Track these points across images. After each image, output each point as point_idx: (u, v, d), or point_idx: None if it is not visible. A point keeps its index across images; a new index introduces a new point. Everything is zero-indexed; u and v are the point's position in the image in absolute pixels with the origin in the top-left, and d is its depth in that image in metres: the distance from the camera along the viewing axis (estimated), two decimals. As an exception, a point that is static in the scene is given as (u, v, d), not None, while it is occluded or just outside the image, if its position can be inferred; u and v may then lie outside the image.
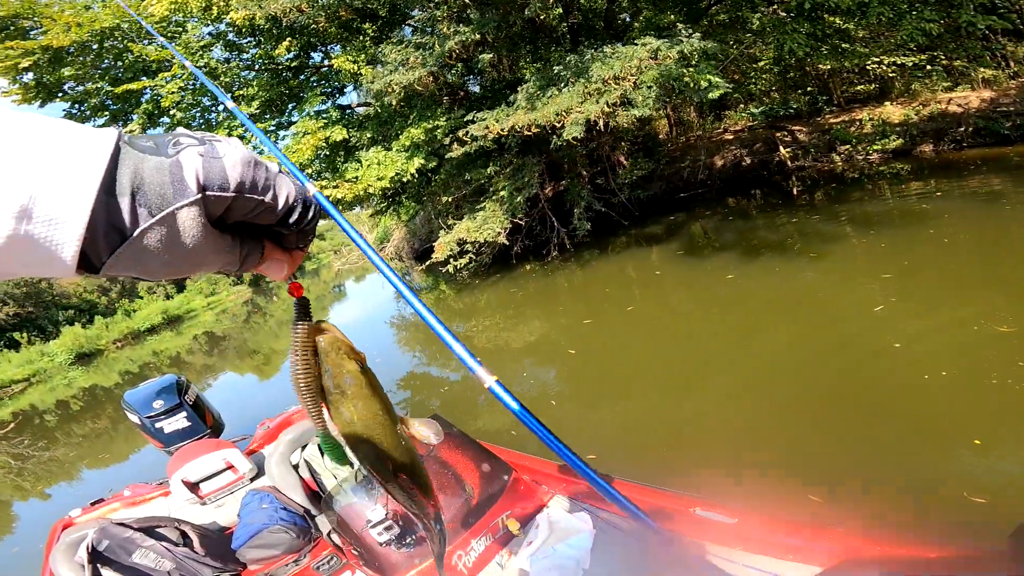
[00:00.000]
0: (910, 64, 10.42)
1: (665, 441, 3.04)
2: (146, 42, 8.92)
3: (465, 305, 8.74)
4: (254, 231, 0.45)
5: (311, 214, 0.46)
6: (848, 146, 10.76)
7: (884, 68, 11.51)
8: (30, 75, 8.63)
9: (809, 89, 13.02)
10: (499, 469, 1.96)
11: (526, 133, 6.40)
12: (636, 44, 6.36)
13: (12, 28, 8.51)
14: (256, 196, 0.39)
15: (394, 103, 8.01)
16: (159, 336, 29.34)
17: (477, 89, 10.18)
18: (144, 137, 0.37)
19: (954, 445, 2.34)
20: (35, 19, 8.54)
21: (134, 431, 2.89)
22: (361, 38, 9.23)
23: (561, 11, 8.94)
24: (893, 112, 11.07)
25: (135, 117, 9.44)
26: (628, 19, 10.11)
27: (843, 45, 9.26)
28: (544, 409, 4.06)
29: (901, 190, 7.37)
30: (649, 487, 1.72)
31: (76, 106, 9.42)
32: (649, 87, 6.08)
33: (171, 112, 9.19)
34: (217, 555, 2.15)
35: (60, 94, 9.18)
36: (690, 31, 6.82)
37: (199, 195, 0.35)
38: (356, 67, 8.71)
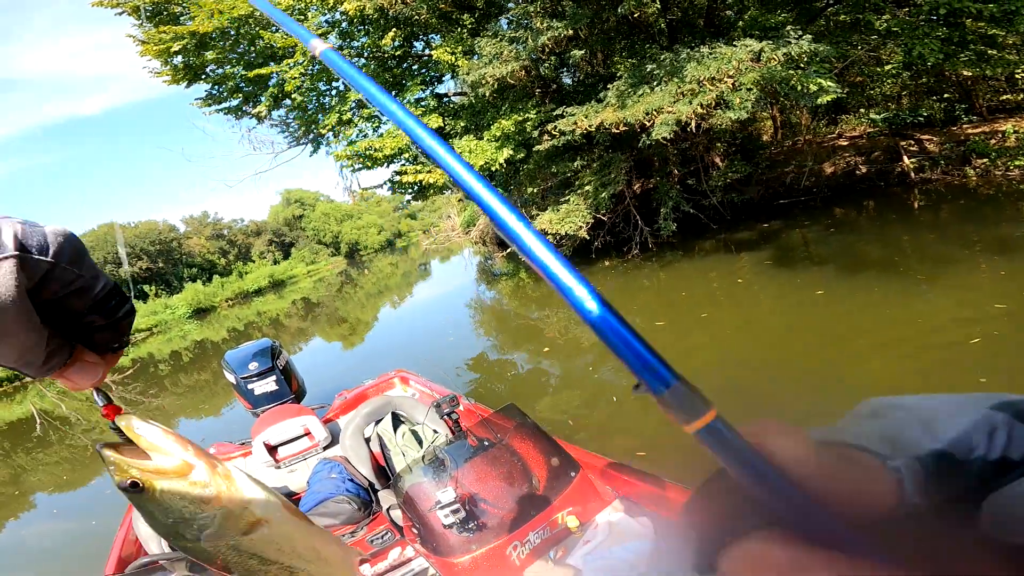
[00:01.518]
0: None
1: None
2: (274, 29, 9.75)
3: (542, 295, 8.83)
4: (65, 329, 0.42)
5: (127, 307, 0.44)
6: (986, 160, 9.60)
7: (1035, 77, 10.16)
8: (179, 58, 9.73)
9: (947, 96, 11.75)
10: (567, 465, 1.95)
11: (614, 131, 6.31)
12: (735, 45, 6.03)
13: (165, 13, 9.64)
14: (74, 269, 0.38)
15: (487, 94, 8.20)
16: (264, 298, 32.15)
17: (569, 82, 10.13)
18: None
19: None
20: (184, 5, 9.60)
21: (229, 388, 3.21)
22: (459, 30, 9.50)
23: (659, 7, 8.66)
24: (1042, 125, 9.71)
25: (263, 99, 10.40)
26: (732, 16, 9.58)
27: (989, 51, 8.37)
28: (605, 405, 4.07)
29: (1045, 211, 6.51)
30: None
31: (215, 87, 10.54)
32: (749, 89, 5.76)
33: (293, 96, 10.01)
34: None
35: (203, 76, 10.28)
36: (800, 32, 6.37)
37: (16, 252, 0.34)
38: (453, 58, 9.00)
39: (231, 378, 3.08)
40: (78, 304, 0.40)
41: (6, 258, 0.34)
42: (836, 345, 4.05)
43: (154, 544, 2.22)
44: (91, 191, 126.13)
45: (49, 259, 0.36)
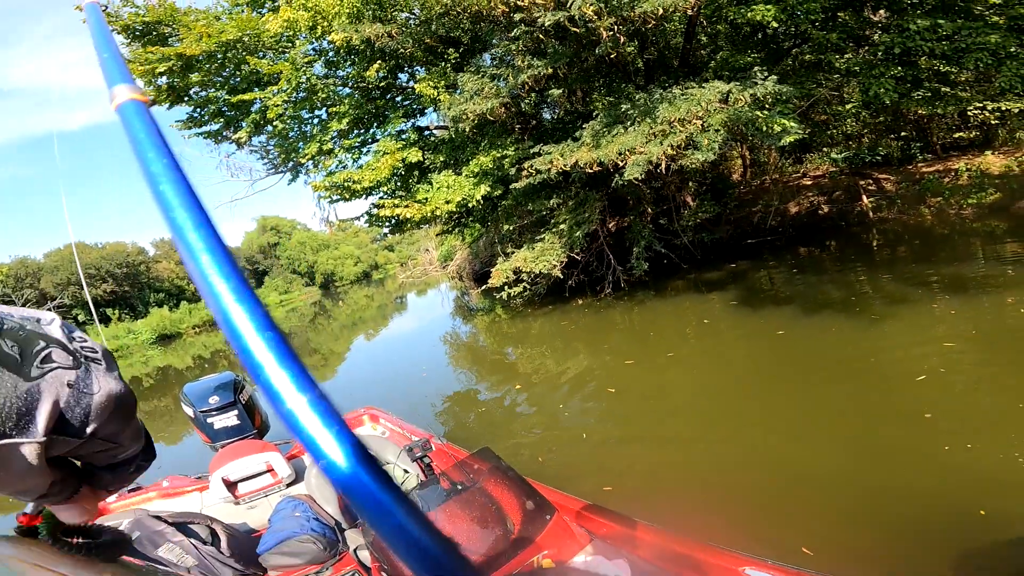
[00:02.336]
0: (1015, 110, 9.67)
1: (688, 490, 3.02)
2: (261, 55, 9.85)
3: (518, 331, 8.86)
4: (75, 469, 0.41)
5: (136, 467, 0.43)
6: (940, 198, 10.08)
7: (987, 114, 10.71)
8: (164, 79, 9.71)
9: (903, 134, 12.29)
10: (542, 508, 1.93)
11: (588, 170, 6.50)
12: (704, 87, 6.33)
13: (154, 34, 9.67)
14: (111, 440, 0.36)
15: (467, 130, 8.36)
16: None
17: (553, 117, 10.40)
18: (16, 327, 0.30)
19: (964, 517, 2.34)
20: (174, 26, 9.64)
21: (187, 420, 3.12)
22: (443, 64, 9.75)
23: (637, 47, 9.04)
24: (994, 163, 10.26)
25: (244, 125, 10.41)
26: (706, 56, 10.05)
27: (943, 89, 8.75)
28: (574, 441, 4.08)
29: (994, 251, 6.84)
30: (693, 541, 1.65)
31: (197, 110, 10.53)
32: (717, 130, 6.03)
33: (274, 123, 10.03)
34: (241, 557, 2.15)
35: (186, 98, 10.27)
36: (766, 73, 6.70)
37: (44, 438, 0.32)
38: (436, 92, 9.20)
39: (189, 411, 2.95)
40: (101, 459, 0.39)
41: (31, 443, 0.32)
42: (789, 383, 4.21)
43: None
44: (65, 207, 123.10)
45: (84, 436, 0.34)
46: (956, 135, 12.00)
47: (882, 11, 8.85)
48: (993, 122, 10.79)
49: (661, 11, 5.97)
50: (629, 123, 6.51)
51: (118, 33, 9.42)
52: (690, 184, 9.60)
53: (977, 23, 7.77)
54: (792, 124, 6.71)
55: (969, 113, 10.78)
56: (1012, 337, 3.96)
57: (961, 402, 3.29)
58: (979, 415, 3.11)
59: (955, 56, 8.01)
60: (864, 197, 11.00)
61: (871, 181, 11.49)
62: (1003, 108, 10.10)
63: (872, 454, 2.93)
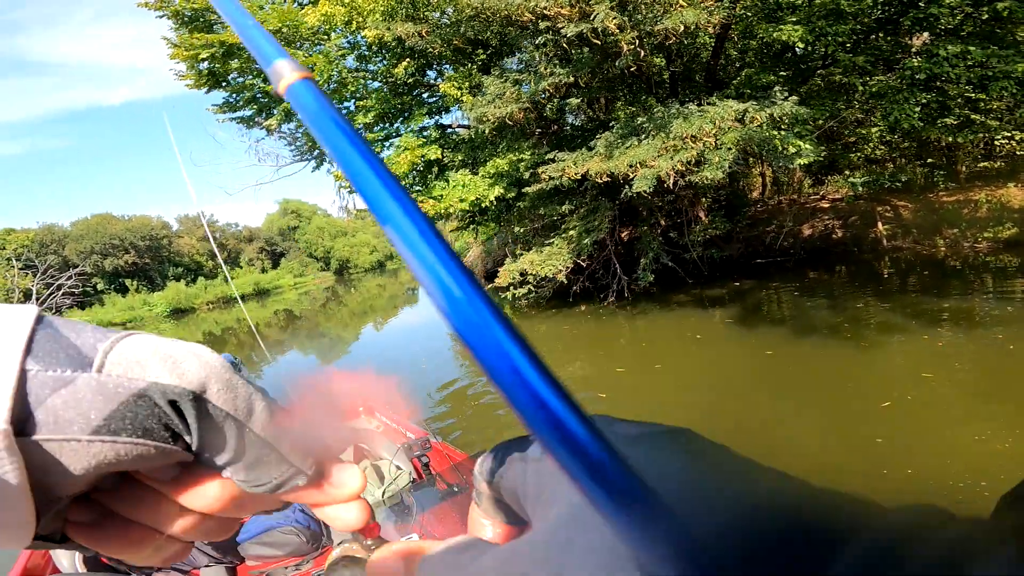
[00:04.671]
0: None
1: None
2: (298, 46, 10.14)
3: (524, 330, 8.98)
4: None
5: None
6: (956, 230, 9.96)
7: (1014, 144, 10.51)
8: (205, 64, 10.06)
9: (930, 161, 12.10)
10: None
11: (598, 180, 6.62)
12: (717, 105, 6.41)
13: (201, 20, 10.03)
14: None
15: (487, 132, 8.53)
16: (247, 304, 31.89)
17: (573, 124, 10.51)
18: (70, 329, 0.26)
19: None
20: (218, 14, 9.93)
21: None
22: (469, 65, 9.93)
23: (664, 60, 9.13)
24: (1016, 195, 10.04)
25: (275, 112, 10.77)
26: (733, 73, 10.08)
27: (973, 116, 8.64)
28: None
29: (1004, 287, 6.81)
30: None
31: (233, 96, 10.88)
32: (728, 149, 6.11)
33: (303, 111, 10.30)
34: (219, 544, 2.05)
35: (223, 84, 10.61)
36: (786, 93, 6.75)
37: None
38: (459, 93, 9.39)
39: None
40: None
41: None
42: (763, 402, 4.33)
43: (66, 559, 2.08)
44: (96, 179, 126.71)
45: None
46: (981, 164, 11.77)
47: (925, 35, 8.74)
48: (1019, 152, 10.63)
49: (682, 27, 6.06)
50: (644, 136, 6.61)
51: (168, 18, 9.78)
52: (703, 200, 9.66)
53: (1007, 51, 7.63)
54: (808, 146, 6.74)
55: (996, 143, 10.62)
56: (990, 373, 4.03)
57: (916, 430, 3.40)
58: (929, 444, 3.21)
59: (980, 84, 7.95)
60: (880, 224, 10.92)
61: (889, 208, 11.37)
62: (1031, 138, 9.93)
63: (820, 474, 3.03)
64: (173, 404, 0.21)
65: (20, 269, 30.96)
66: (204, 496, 0.24)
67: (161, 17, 9.83)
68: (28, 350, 0.19)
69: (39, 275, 31.29)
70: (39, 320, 0.21)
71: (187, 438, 0.22)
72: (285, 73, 0.23)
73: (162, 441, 0.22)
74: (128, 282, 37.08)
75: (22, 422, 0.19)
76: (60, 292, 31.64)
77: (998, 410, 3.46)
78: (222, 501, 0.25)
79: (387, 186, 0.20)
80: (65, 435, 0.20)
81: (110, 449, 0.20)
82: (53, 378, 0.20)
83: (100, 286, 37.40)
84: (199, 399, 0.22)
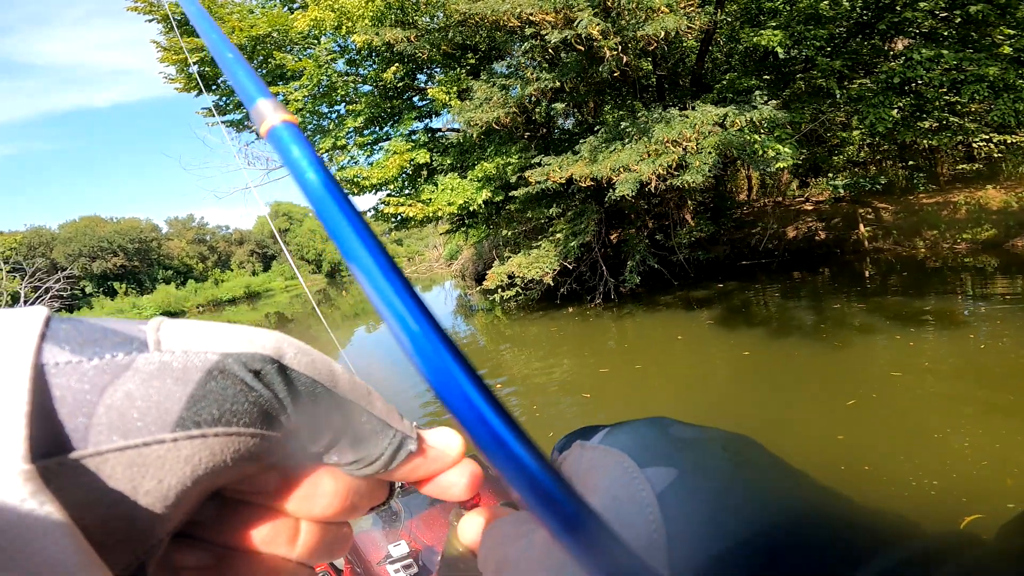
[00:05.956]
0: (1021, 143, 9.72)
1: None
2: (287, 50, 10.19)
3: (514, 332, 9.12)
4: None
5: None
6: (936, 231, 10.17)
7: (991, 146, 10.71)
8: (194, 68, 10.07)
9: (911, 163, 12.28)
10: None
11: (582, 184, 6.73)
12: (698, 110, 6.55)
13: (191, 24, 10.02)
14: None
15: (475, 135, 8.63)
16: (237, 308, 31.80)
17: (563, 128, 10.61)
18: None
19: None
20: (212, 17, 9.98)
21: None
22: (459, 69, 10.02)
23: (650, 64, 9.27)
24: (994, 197, 10.22)
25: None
26: (718, 77, 10.22)
27: (951, 119, 8.82)
28: (542, 441, 4.32)
29: (983, 287, 6.98)
30: None
31: (223, 99, 10.89)
32: (709, 153, 6.24)
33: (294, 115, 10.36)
34: None
35: (213, 88, 10.63)
36: (766, 97, 6.89)
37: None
38: (448, 98, 9.48)
39: None
40: None
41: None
42: (732, 402, 4.45)
43: None
44: (82, 182, 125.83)
45: None
46: (960, 167, 11.99)
47: (905, 39, 8.89)
48: (996, 155, 10.86)
49: (663, 33, 6.19)
50: (627, 140, 6.73)
51: (159, 22, 9.80)
52: (690, 203, 9.80)
53: (980, 55, 7.79)
54: (787, 150, 6.89)
55: (974, 145, 10.81)
56: (958, 372, 4.16)
57: (878, 428, 3.49)
58: (888, 441, 3.30)
59: (952, 87, 8.10)
60: (862, 226, 11.13)
61: (870, 210, 11.58)
62: (1008, 141, 10.16)
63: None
64: (257, 375, 0.18)
65: (7, 272, 30.70)
66: (322, 494, 0.21)
67: (151, 21, 9.87)
68: (40, 349, 0.15)
69: (27, 278, 31.02)
70: (49, 319, 0.17)
71: (282, 417, 0.18)
72: (267, 114, 0.23)
73: (259, 426, 0.18)
74: (117, 285, 36.82)
75: (58, 440, 0.14)
76: (48, 295, 31.37)
77: (961, 409, 3.58)
78: (340, 496, 0.21)
79: (372, 254, 0.20)
80: (142, 438, 0.15)
81: (203, 447, 0.16)
82: (101, 367, 0.15)
83: (88, 289, 37.10)
84: (281, 367, 0.18)
